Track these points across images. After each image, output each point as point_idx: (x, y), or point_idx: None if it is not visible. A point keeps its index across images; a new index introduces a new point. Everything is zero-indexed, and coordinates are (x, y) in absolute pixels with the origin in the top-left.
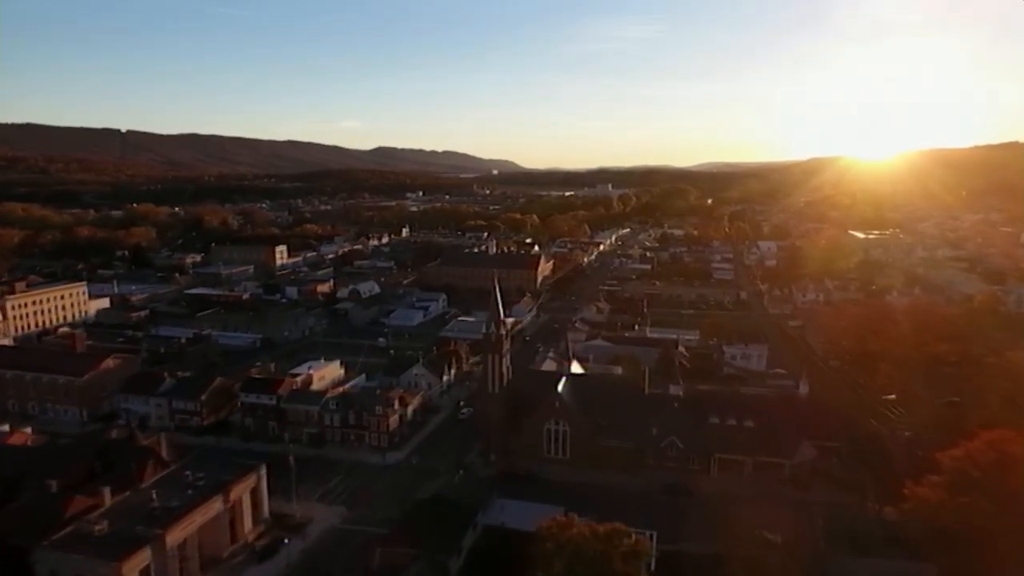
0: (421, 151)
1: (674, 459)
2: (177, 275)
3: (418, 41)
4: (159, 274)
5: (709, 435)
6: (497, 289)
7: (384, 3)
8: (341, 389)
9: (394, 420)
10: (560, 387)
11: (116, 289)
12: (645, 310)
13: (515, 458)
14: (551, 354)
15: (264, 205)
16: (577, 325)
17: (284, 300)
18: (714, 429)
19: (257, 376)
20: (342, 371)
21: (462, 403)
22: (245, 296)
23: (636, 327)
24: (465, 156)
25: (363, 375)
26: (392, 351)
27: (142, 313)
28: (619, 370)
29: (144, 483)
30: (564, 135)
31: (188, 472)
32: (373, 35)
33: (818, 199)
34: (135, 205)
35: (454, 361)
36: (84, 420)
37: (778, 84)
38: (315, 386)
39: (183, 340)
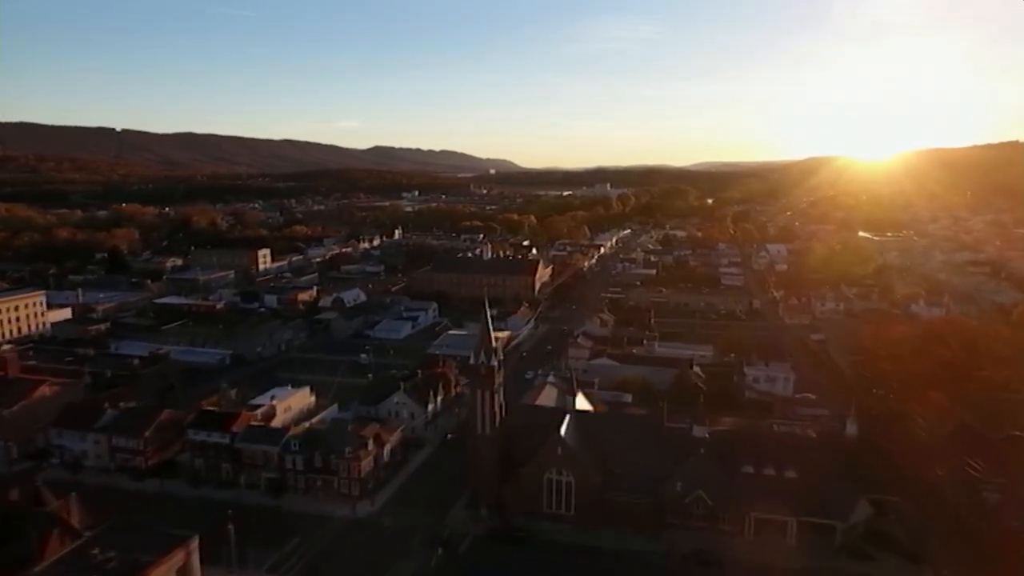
0: (419, 150)
1: (701, 518)
2: (149, 282)
3: (417, 41)
4: (133, 280)
5: (743, 489)
6: (488, 311)
7: (383, 3)
8: (308, 424)
9: (367, 463)
10: (563, 428)
11: (81, 297)
12: (652, 321)
13: (509, 513)
14: (551, 378)
15: (256, 205)
16: (579, 340)
17: (263, 309)
18: (749, 481)
19: (209, 409)
20: (312, 399)
21: (449, 435)
22: (219, 305)
23: (644, 342)
24: (463, 156)
25: (335, 405)
26: (371, 374)
27: (102, 326)
28: (629, 398)
29: (42, 564)
30: (562, 135)
31: (97, 550)
32: (372, 35)
33: (822, 199)
34: (124, 205)
35: (441, 386)
36: (14, 457)
37: (776, 84)
38: (279, 419)
39: (135, 360)
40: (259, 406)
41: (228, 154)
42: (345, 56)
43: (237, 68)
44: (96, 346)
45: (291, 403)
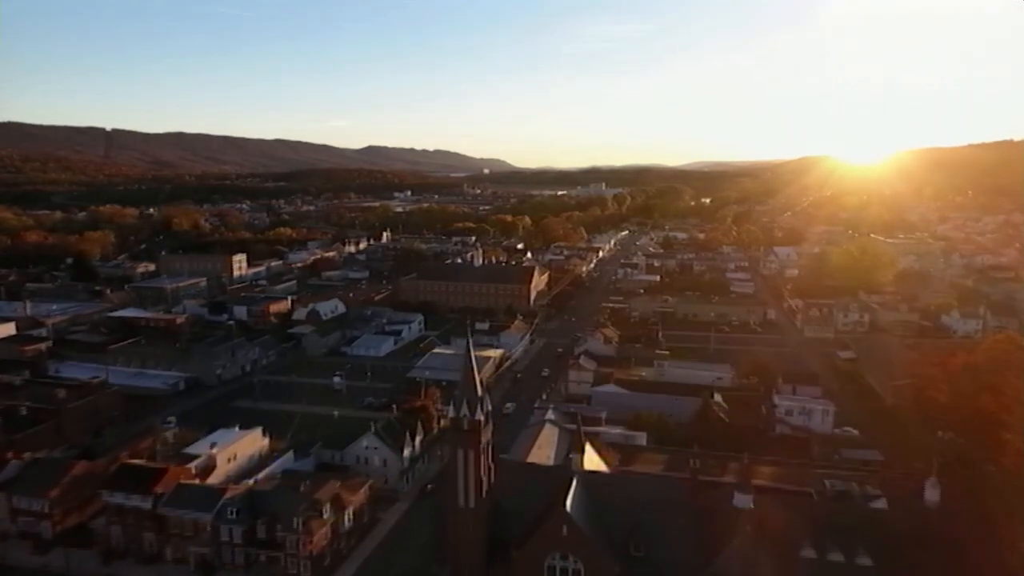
0: (412, 150)
1: None
2: (109, 291)
3: (411, 40)
4: (96, 288)
5: None
6: (472, 349)
7: (376, 2)
8: (252, 481)
9: (322, 535)
10: (569, 497)
11: (28, 310)
12: (660, 335)
13: None
14: (550, 414)
15: (244, 206)
16: (581, 361)
17: (231, 322)
18: (811, 571)
19: (129, 463)
20: (265, 441)
21: (429, 485)
22: (180, 319)
23: (655, 363)
24: (457, 155)
25: (291, 452)
26: (336, 412)
27: (42, 345)
28: (643, 438)
29: None
30: (555, 134)
31: None
32: (365, 34)
33: (822, 199)
34: (107, 206)
35: (421, 424)
36: None
37: (769, 83)
38: (220, 471)
39: (61, 393)
40: (195, 456)
41: (219, 154)
42: (338, 55)
43: (230, 67)
44: (33, 369)
45: (237, 450)
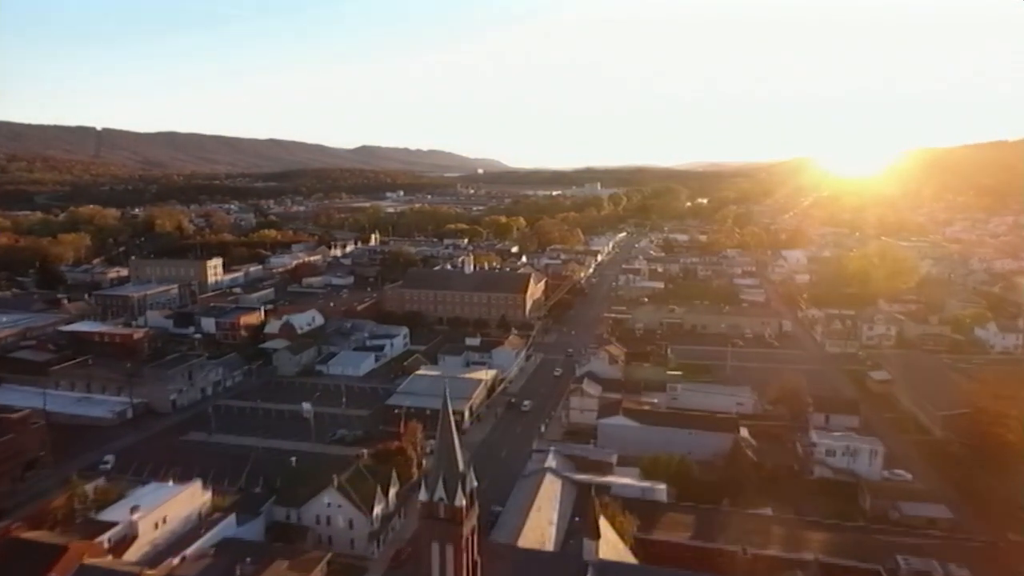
0: (407, 150)
1: None
2: (66, 301)
3: (405, 38)
4: (58, 296)
5: None
6: (451, 409)
7: (371, 1)
8: (176, 560)
9: None
10: None
11: None
12: (669, 352)
13: None
14: (551, 460)
15: (232, 206)
16: (584, 386)
17: (197, 336)
18: None
19: (19, 538)
20: (207, 497)
21: (404, 550)
22: (139, 334)
23: (667, 388)
24: (451, 155)
25: (232, 516)
26: (294, 458)
27: None
28: (663, 490)
29: None
30: (551, 134)
31: None
32: (359, 33)
33: (822, 199)
34: (89, 207)
35: (396, 472)
36: None
37: (763, 82)
38: (145, 540)
39: None
40: (110, 527)
41: (211, 153)
42: (332, 54)
43: (224, 67)
44: None
45: (168, 511)
